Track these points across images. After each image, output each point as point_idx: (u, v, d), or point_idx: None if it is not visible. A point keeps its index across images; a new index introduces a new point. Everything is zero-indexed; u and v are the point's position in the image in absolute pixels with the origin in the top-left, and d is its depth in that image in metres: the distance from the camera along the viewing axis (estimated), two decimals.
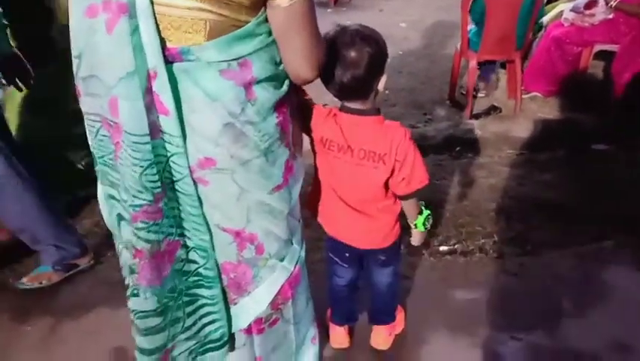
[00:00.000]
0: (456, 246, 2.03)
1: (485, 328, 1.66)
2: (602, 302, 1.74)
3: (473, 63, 2.99)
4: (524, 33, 2.89)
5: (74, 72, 0.99)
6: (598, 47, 3.00)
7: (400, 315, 1.66)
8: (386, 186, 1.26)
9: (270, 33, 0.96)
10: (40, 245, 1.87)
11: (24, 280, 1.89)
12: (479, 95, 3.28)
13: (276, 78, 1.00)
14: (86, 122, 1.05)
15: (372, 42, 1.15)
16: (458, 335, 1.64)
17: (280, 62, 1.00)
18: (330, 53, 1.08)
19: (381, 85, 1.20)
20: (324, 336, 1.58)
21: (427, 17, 4.88)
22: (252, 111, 0.97)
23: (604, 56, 3.07)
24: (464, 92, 3.21)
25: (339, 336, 1.61)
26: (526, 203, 2.26)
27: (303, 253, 1.25)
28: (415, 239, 1.40)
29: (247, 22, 0.92)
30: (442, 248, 2.02)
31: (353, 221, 1.32)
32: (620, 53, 2.88)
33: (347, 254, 1.43)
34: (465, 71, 3.22)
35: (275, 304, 1.20)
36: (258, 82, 0.96)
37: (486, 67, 3.30)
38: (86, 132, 1.06)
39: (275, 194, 1.08)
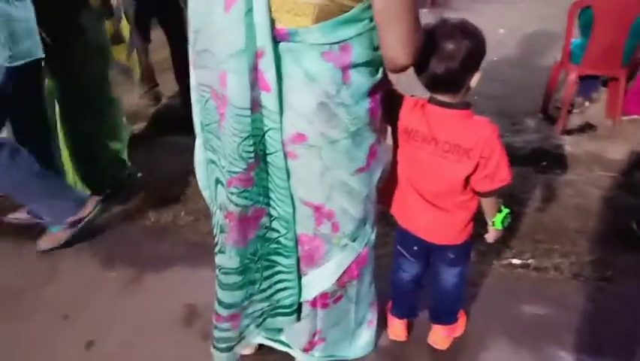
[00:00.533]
0: (529, 261, 1.96)
1: (552, 346, 1.60)
2: None
3: (573, 76, 2.84)
4: (633, 49, 2.69)
5: (190, 45, 1.10)
6: None
7: (461, 319, 1.64)
8: (465, 181, 1.25)
9: (372, 19, 0.99)
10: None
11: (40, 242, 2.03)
12: (574, 110, 3.11)
13: (372, 64, 1.04)
14: (196, 92, 1.16)
15: (472, 37, 1.14)
16: (521, 349, 1.59)
17: (377, 48, 1.03)
18: (428, 43, 1.09)
19: (474, 82, 1.19)
20: (382, 326, 1.60)
21: (527, 25, 4.67)
22: (346, 94, 1.02)
23: None
24: (559, 106, 3.05)
25: (397, 328, 1.62)
26: (612, 227, 2.12)
27: (373, 237, 1.29)
28: (491, 236, 1.39)
29: (352, 8, 0.96)
30: (515, 261, 1.96)
31: (427, 214, 1.33)
32: None
33: (415, 248, 1.44)
34: (562, 85, 3.06)
35: (341, 282, 1.26)
36: (355, 66, 1.01)
37: (587, 82, 3.11)
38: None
39: (356, 176, 1.13)
